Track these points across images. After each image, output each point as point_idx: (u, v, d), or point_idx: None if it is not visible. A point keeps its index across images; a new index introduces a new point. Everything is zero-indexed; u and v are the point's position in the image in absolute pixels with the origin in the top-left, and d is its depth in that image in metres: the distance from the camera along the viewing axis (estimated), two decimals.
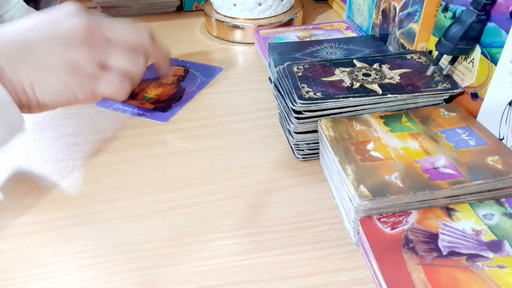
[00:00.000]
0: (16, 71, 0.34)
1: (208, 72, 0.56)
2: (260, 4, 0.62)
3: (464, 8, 0.39)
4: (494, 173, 0.31)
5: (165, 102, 0.51)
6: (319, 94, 0.39)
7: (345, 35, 0.59)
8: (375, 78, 0.41)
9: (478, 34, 0.38)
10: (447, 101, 0.41)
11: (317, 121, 0.38)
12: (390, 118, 0.38)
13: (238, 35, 0.64)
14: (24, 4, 0.55)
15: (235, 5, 0.63)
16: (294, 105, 0.38)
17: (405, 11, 0.48)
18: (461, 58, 0.41)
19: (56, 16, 0.37)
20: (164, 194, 0.38)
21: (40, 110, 0.37)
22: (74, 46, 0.36)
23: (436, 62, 0.41)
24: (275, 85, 0.44)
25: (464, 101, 0.40)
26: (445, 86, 0.40)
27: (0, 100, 0.33)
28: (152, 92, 0.53)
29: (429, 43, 0.46)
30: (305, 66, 0.44)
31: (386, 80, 0.41)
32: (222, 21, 0.64)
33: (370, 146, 0.35)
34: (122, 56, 0.39)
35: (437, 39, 0.41)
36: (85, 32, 0.37)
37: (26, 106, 0.36)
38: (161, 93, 0.53)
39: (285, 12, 0.66)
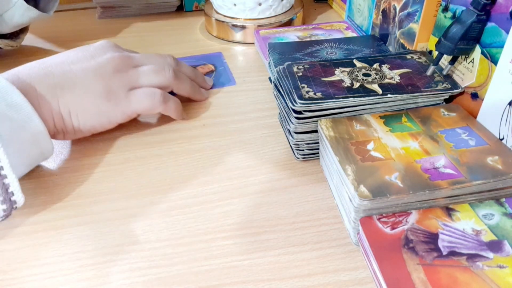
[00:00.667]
0: (56, 100, 0.38)
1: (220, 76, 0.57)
2: (260, 4, 0.62)
3: (464, 8, 0.39)
4: (494, 173, 0.31)
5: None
6: (319, 94, 0.39)
7: (345, 35, 0.59)
8: (375, 78, 0.41)
9: (478, 34, 0.38)
10: (447, 101, 0.41)
11: (317, 121, 0.38)
12: (390, 118, 0.38)
13: (238, 35, 0.64)
14: (24, 3, 0.54)
15: (235, 5, 0.63)
16: (294, 105, 0.38)
17: (405, 11, 0.48)
18: (461, 58, 0.41)
19: (91, 51, 0.42)
20: (164, 194, 0.38)
21: (75, 136, 0.41)
22: (108, 75, 0.41)
23: (436, 62, 0.41)
24: (275, 85, 0.44)
25: (464, 101, 0.40)
26: (445, 86, 0.40)
27: (36, 131, 0.35)
28: None
29: (429, 43, 0.46)
30: (305, 66, 0.44)
31: (386, 80, 0.41)
32: (222, 21, 0.64)
33: (370, 146, 0.35)
34: (149, 74, 0.43)
35: (437, 39, 0.41)
36: (117, 62, 0.42)
37: (61, 132, 0.40)
38: None
39: (285, 12, 0.66)
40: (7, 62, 0.60)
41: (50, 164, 0.42)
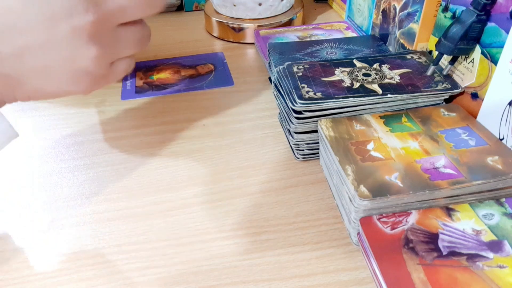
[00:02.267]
0: (10, 90, 0.28)
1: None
2: (260, 4, 0.62)
3: (464, 8, 0.39)
4: (494, 173, 0.31)
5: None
6: (319, 94, 0.39)
7: (345, 35, 0.59)
8: (375, 78, 0.41)
9: (478, 34, 0.38)
10: (447, 101, 0.41)
11: (317, 121, 0.38)
12: (390, 118, 0.38)
13: (238, 35, 0.64)
14: None
15: (235, 5, 0.63)
16: (294, 105, 0.38)
17: (405, 11, 0.48)
18: (461, 58, 0.41)
19: (55, 11, 0.26)
20: (164, 194, 0.38)
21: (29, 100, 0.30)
22: (80, 51, 0.28)
23: (436, 62, 0.41)
24: (275, 85, 0.44)
25: (464, 101, 0.40)
26: (445, 86, 0.40)
27: None
28: (159, 75, 0.57)
29: (429, 43, 0.46)
30: (305, 66, 0.44)
31: (386, 80, 0.41)
32: (222, 21, 0.64)
33: (370, 146, 0.35)
34: (133, 45, 0.31)
35: (437, 39, 0.41)
36: (92, 29, 0.27)
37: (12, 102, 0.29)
38: (165, 79, 0.56)
39: (285, 12, 0.66)
40: None
41: (50, 164, 0.42)
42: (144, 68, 0.58)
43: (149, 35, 0.32)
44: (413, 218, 0.30)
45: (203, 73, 0.57)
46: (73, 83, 0.29)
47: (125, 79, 0.54)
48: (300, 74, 0.42)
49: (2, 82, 0.27)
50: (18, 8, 0.26)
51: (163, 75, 0.56)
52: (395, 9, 0.50)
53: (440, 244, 0.28)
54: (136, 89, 0.53)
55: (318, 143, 0.40)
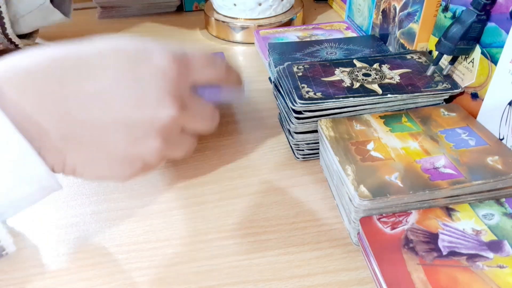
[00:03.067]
0: (64, 149, 0.27)
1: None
2: (260, 4, 0.62)
3: (464, 8, 0.39)
4: (494, 173, 0.31)
5: None
6: (319, 94, 0.39)
7: (345, 35, 0.59)
8: (375, 78, 0.41)
9: (478, 34, 0.38)
10: (447, 101, 0.41)
11: (317, 121, 0.38)
12: (390, 118, 0.38)
13: (238, 35, 0.64)
14: (51, 5, 0.54)
15: (235, 5, 0.63)
16: (294, 105, 0.38)
17: (405, 11, 0.48)
18: (461, 58, 0.41)
19: (144, 97, 0.27)
20: (164, 194, 0.38)
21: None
22: (146, 139, 0.28)
23: (436, 62, 0.41)
24: (275, 85, 0.44)
25: (464, 101, 0.40)
26: (445, 86, 0.40)
27: (40, 173, 0.26)
28: None
29: (429, 43, 0.46)
30: (305, 66, 0.44)
31: (386, 80, 0.41)
32: (222, 21, 0.64)
33: (370, 146, 0.35)
34: (182, 151, 0.32)
35: (437, 39, 0.41)
36: (167, 124, 0.28)
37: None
38: None
39: (285, 12, 0.66)
40: None
41: None
42: None
43: (193, 147, 0.32)
44: (413, 218, 0.30)
45: None
46: (123, 164, 0.28)
47: None
48: (300, 74, 0.42)
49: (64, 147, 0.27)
50: (111, 88, 0.26)
51: None
52: (395, 9, 0.50)
53: (440, 244, 0.28)
54: None
55: (318, 143, 0.40)
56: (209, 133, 0.32)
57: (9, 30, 0.54)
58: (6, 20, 0.53)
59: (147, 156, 0.29)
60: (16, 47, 0.59)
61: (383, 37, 0.54)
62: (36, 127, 0.25)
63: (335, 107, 0.38)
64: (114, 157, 0.28)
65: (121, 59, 0.28)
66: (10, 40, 0.56)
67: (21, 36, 0.59)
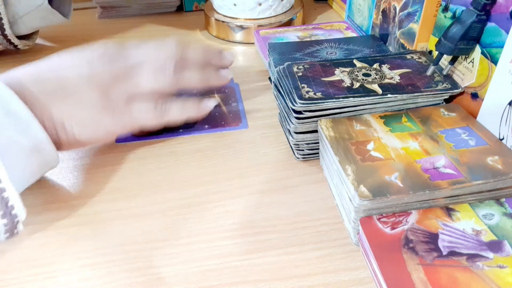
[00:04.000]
0: (48, 109, 0.35)
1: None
2: (260, 4, 0.62)
3: (464, 8, 0.39)
4: (494, 173, 0.31)
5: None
6: (319, 94, 0.39)
7: (345, 35, 0.59)
8: (375, 78, 0.41)
9: (478, 34, 0.38)
10: (447, 101, 0.41)
11: (317, 121, 0.38)
12: (390, 118, 0.38)
13: (238, 35, 0.64)
14: (49, 6, 0.54)
15: (235, 5, 0.63)
16: (294, 105, 0.38)
17: (405, 11, 0.48)
18: (461, 58, 0.41)
19: (88, 56, 0.38)
20: (164, 194, 0.38)
21: (69, 148, 0.38)
22: (106, 83, 0.37)
23: (436, 62, 0.41)
24: (275, 85, 0.44)
25: (464, 101, 0.40)
26: (445, 86, 0.40)
27: (37, 139, 0.33)
28: None
29: (429, 43, 0.46)
30: (305, 66, 0.44)
31: (386, 80, 0.41)
32: (222, 21, 0.64)
33: (370, 146, 0.35)
34: (148, 80, 0.39)
35: (437, 39, 0.41)
36: (115, 68, 0.38)
37: (55, 143, 0.35)
38: None
39: (285, 12, 0.66)
40: (6, 63, 0.60)
41: None
42: None
43: (167, 78, 0.40)
44: (413, 218, 0.30)
45: None
46: (98, 108, 0.37)
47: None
48: (300, 74, 0.42)
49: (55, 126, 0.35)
50: (71, 77, 0.37)
51: None
52: (395, 9, 0.50)
53: (440, 244, 0.28)
54: None
55: (318, 143, 0.40)
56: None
57: (8, 31, 0.54)
58: (5, 21, 0.53)
59: (113, 96, 0.37)
60: (16, 48, 0.59)
61: (383, 37, 0.54)
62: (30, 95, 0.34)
63: (335, 107, 0.38)
64: (86, 103, 0.36)
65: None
66: (9, 40, 0.56)
67: (20, 37, 0.59)
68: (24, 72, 0.36)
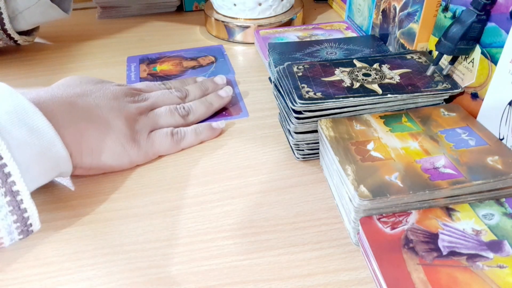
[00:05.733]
0: (80, 134, 0.36)
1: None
2: (260, 4, 0.62)
3: (464, 8, 0.39)
4: (494, 173, 0.31)
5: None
6: (319, 94, 0.39)
7: (345, 35, 0.59)
8: (375, 78, 0.41)
9: (478, 34, 0.38)
10: (447, 101, 0.41)
11: (317, 121, 0.38)
12: (390, 118, 0.38)
13: (238, 35, 0.64)
14: (49, 1, 0.54)
15: (235, 5, 0.63)
16: (294, 105, 0.38)
17: (405, 11, 0.48)
18: (461, 58, 0.41)
19: (112, 92, 0.41)
20: (164, 194, 0.38)
21: (85, 173, 0.39)
22: (133, 116, 0.40)
23: (436, 62, 0.41)
24: (275, 85, 0.44)
25: (464, 101, 0.40)
26: (445, 86, 0.40)
27: (58, 156, 0.33)
28: (162, 66, 0.58)
29: (429, 43, 0.46)
30: (305, 66, 0.44)
31: (386, 80, 0.41)
32: (222, 21, 0.64)
33: (370, 146, 0.35)
34: (166, 116, 0.43)
35: (437, 39, 0.41)
36: (140, 105, 0.42)
37: (74, 167, 0.36)
38: (168, 70, 0.57)
39: (285, 12, 0.66)
40: (6, 62, 0.60)
41: None
42: (147, 60, 0.60)
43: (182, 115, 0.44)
44: (413, 218, 0.30)
45: (204, 65, 0.58)
46: (127, 138, 0.39)
47: None
48: (300, 74, 0.42)
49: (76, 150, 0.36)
50: (102, 106, 0.39)
51: (165, 67, 0.57)
52: (395, 9, 0.50)
53: (440, 244, 0.28)
54: (141, 80, 0.54)
55: (318, 143, 0.40)
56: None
57: (7, 26, 0.54)
58: (5, 16, 0.53)
59: (138, 125, 0.40)
60: (16, 44, 0.59)
61: (383, 37, 0.54)
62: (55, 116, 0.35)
63: (335, 107, 0.38)
64: (121, 133, 0.39)
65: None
66: (9, 36, 0.56)
67: (21, 33, 0.59)
68: (52, 93, 0.37)
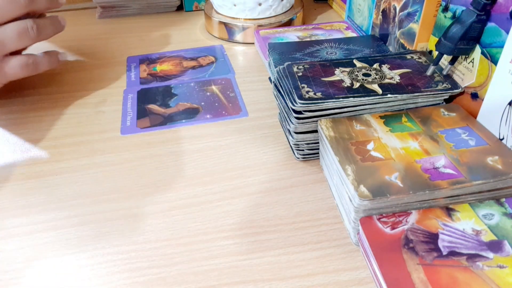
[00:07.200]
0: None
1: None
2: (260, 4, 0.62)
3: (464, 8, 0.39)
4: (494, 173, 0.31)
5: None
6: (319, 94, 0.39)
7: (345, 35, 0.59)
8: (375, 78, 0.41)
9: (478, 34, 0.38)
10: (447, 101, 0.41)
11: (317, 121, 0.38)
12: (390, 118, 0.38)
13: (238, 35, 0.64)
14: None
15: (235, 5, 0.63)
16: (294, 105, 0.38)
17: (405, 11, 0.48)
18: (461, 58, 0.41)
19: None
20: (164, 194, 0.38)
21: None
22: None
23: (436, 62, 0.41)
24: (275, 85, 0.44)
25: (464, 101, 0.40)
26: (445, 86, 0.40)
27: None
28: (162, 66, 0.58)
29: (429, 43, 0.46)
30: (305, 66, 0.44)
31: (386, 80, 0.41)
32: (222, 21, 0.64)
33: (370, 146, 0.35)
34: (13, 40, 0.43)
35: (437, 39, 0.41)
36: None
37: None
38: (168, 70, 0.57)
39: (285, 12, 0.66)
40: None
41: (50, 164, 0.42)
42: (147, 60, 0.60)
43: (32, 26, 0.45)
44: (413, 218, 0.30)
45: (204, 65, 0.58)
46: None
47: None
48: (300, 74, 0.42)
49: None
50: None
51: (165, 67, 0.58)
52: (395, 9, 0.50)
53: (440, 244, 0.28)
54: (141, 80, 0.55)
55: (318, 143, 0.40)
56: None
57: None
58: None
59: None
60: None
61: (383, 37, 0.54)
62: None
63: (335, 107, 0.38)
64: None
65: None
66: None
67: None
68: None
